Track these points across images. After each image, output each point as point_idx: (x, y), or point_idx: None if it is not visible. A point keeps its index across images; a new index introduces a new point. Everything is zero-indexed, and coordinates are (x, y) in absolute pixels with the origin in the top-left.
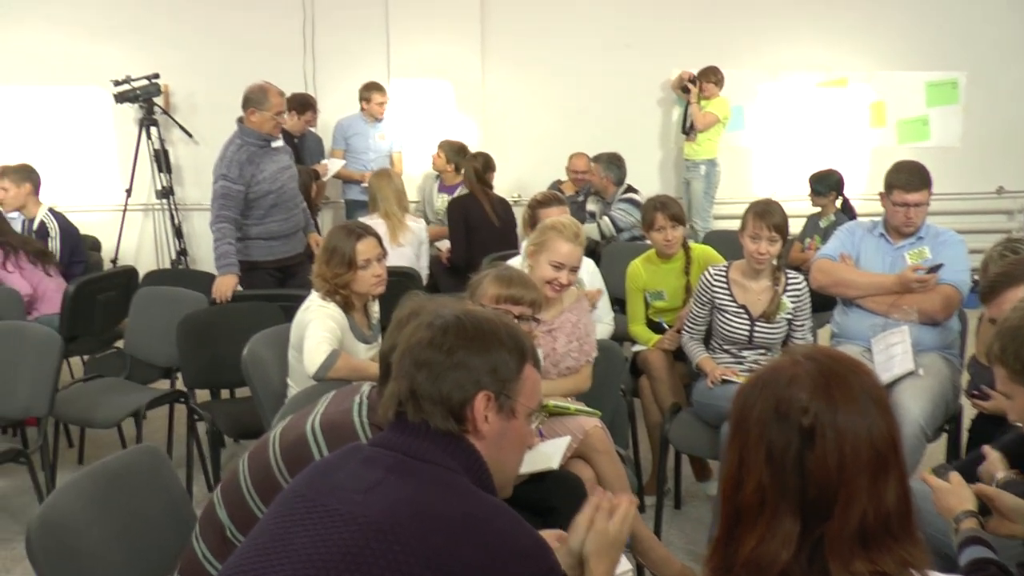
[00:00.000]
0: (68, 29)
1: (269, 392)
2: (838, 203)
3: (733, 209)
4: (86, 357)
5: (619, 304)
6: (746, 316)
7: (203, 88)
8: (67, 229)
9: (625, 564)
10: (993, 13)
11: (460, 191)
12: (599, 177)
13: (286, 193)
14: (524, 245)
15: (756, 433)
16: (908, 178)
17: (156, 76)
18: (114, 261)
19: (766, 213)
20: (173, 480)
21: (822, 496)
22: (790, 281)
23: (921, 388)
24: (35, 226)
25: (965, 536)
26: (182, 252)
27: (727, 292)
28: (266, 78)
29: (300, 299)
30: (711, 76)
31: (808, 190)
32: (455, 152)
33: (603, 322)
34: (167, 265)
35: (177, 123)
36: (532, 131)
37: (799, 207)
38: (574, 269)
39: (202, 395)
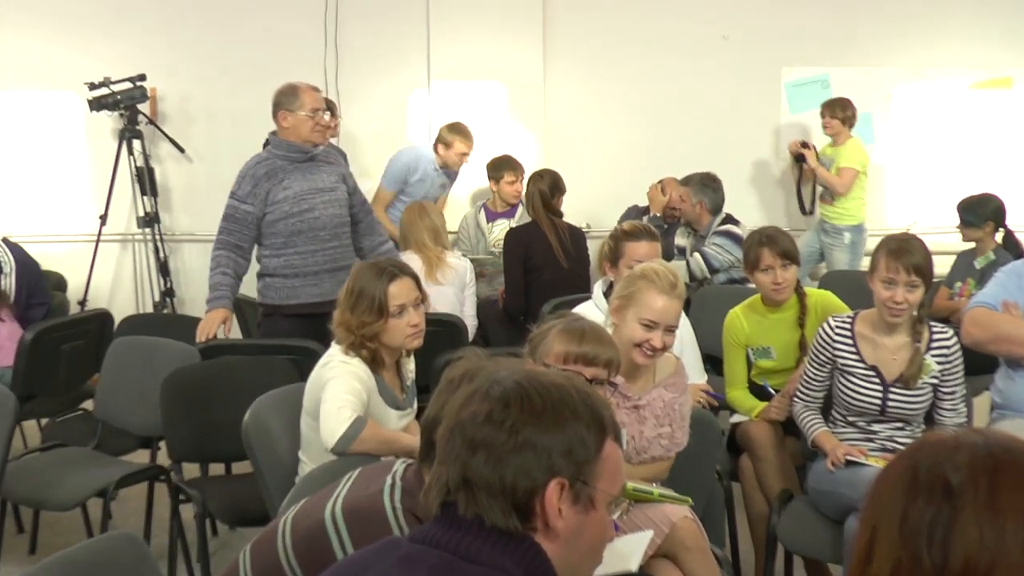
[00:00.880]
0: (31, 19)
1: (276, 468)
2: (998, 237)
3: None
4: (45, 421)
5: (713, 363)
6: (878, 380)
7: (199, 93)
8: (24, 263)
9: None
10: None
11: (513, 220)
12: (689, 204)
13: (318, 220)
14: (597, 288)
15: (891, 503)
16: None
17: (141, 78)
18: (83, 303)
19: (903, 252)
20: None
21: None
22: (935, 336)
23: None
24: None
25: None
26: (168, 293)
27: (853, 350)
28: (278, 80)
29: (317, 353)
30: (838, 111)
31: (957, 220)
32: (492, 167)
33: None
34: (149, 309)
35: (166, 135)
36: (603, 145)
37: (946, 242)
38: (671, 329)
39: (190, 470)
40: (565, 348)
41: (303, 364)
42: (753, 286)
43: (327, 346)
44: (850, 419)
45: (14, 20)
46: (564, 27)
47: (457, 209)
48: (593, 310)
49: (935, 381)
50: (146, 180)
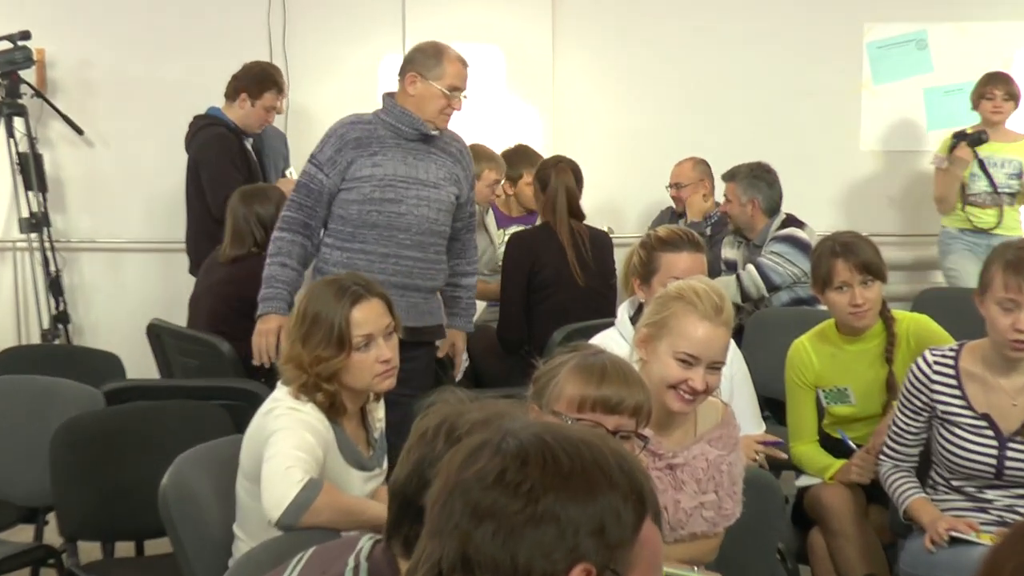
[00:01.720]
0: None
1: (204, 547)
2: None
3: None
4: None
5: (773, 409)
6: (991, 433)
7: (103, 59)
8: None
9: None
10: None
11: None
12: (737, 204)
13: (403, 217)
14: (623, 311)
15: None
16: None
17: (24, 36)
18: None
19: None
20: None
21: None
22: None
23: None
24: None
25: None
26: (61, 318)
27: (958, 393)
28: (207, 43)
29: (259, 396)
30: (1000, 84)
31: None
32: (508, 163)
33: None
34: (36, 339)
35: (59, 112)
36: (627, 127)
37: None
38: (716, 366)
39: (88, 551)
40: (580, 391)
41: (241, 411)
42: (825, 309)
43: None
44: (955, 483)
45: None
46: None
47: None
48: (617, 340)
49: None
50: (31, 171)
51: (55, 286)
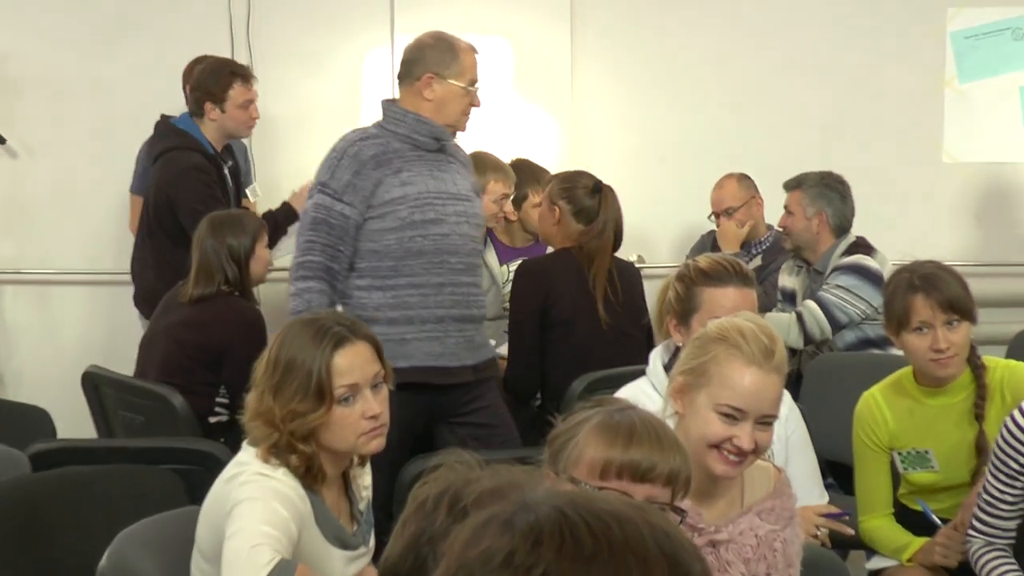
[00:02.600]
0: None
1: None
2: None
3: None
4: None
5: (839, 474)
6: None
7: (26, 51)
8: None
9: None
10: None
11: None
12: (802, 217)
13: (448, 238)
14: (655, 357)
15: None
16: None
17: None
18: None
19: None
20: None
21: None
22: None
23: None
24: None
25: None
26: None
27: None
28: (158, 35)
29: (219, 460)
30: None
31: None
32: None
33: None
34: None
35: None
36: (659, 138)
37: None
38: (766, 420)
39: None
40: (604, 454)
41: (197, 478)
42: (900, 353)
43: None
44: None
45: None
46: None
47: None
48: (648, 393)
49: None
50: None
51: None
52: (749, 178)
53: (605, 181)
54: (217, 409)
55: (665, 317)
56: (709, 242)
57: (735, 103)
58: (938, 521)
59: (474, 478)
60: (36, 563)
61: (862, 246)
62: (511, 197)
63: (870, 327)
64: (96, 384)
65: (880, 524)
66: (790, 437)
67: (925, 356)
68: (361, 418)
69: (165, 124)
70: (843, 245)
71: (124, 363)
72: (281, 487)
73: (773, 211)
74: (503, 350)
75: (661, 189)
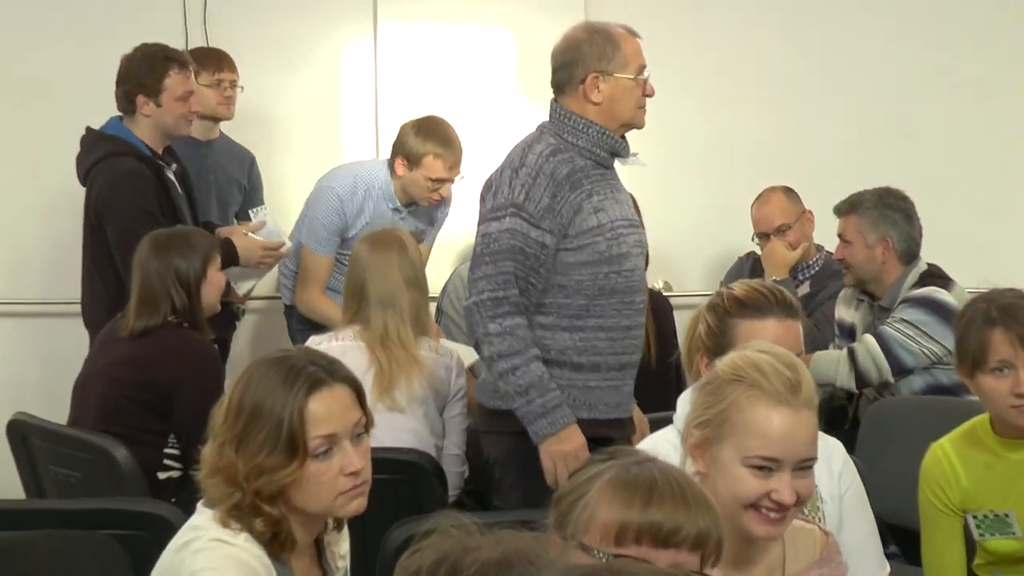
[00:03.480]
0: None
1: None
2: None
3: None
4: None
5: (902, 540)
6: None
7: None
8: None
9: None
10: None
11: None
12: (863, 244)
13: (634, 274)
14: (683, 402)
15: None
16: None
17: None
18: None
19: None
20: None
21: None
22: None
23: None
24: None
25: None
26: None
27: None
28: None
29: (171, 524)
30: None
31: None
32: None
33: None
34: None
35: None
36: (685, 144)
37: None
38: (805, 465)
39: None
40: (620, 515)
41: (142, 545)
42: (976, 399)
43: None
44: None
45: None
46: None
47: (439, 262)
48: (674, 443)
49: None
50: None
51: None
52: (795, 192)
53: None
54: (167, 462)
55: (695, 354)
56: (748, 266)
57: (774, 107)
58: None
59: (474, 546)
60: None
61: (936, 276)
62: (451, 183)
63: (943, 372)
64: (24, 434)
65: None
66: (844, 496)
67: (1005, 401)
68: (340, 474)
69: (91, 135)
70: (913, 275)
71: (59, 410)
72: (243, 556)
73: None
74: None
75: (689, 205)
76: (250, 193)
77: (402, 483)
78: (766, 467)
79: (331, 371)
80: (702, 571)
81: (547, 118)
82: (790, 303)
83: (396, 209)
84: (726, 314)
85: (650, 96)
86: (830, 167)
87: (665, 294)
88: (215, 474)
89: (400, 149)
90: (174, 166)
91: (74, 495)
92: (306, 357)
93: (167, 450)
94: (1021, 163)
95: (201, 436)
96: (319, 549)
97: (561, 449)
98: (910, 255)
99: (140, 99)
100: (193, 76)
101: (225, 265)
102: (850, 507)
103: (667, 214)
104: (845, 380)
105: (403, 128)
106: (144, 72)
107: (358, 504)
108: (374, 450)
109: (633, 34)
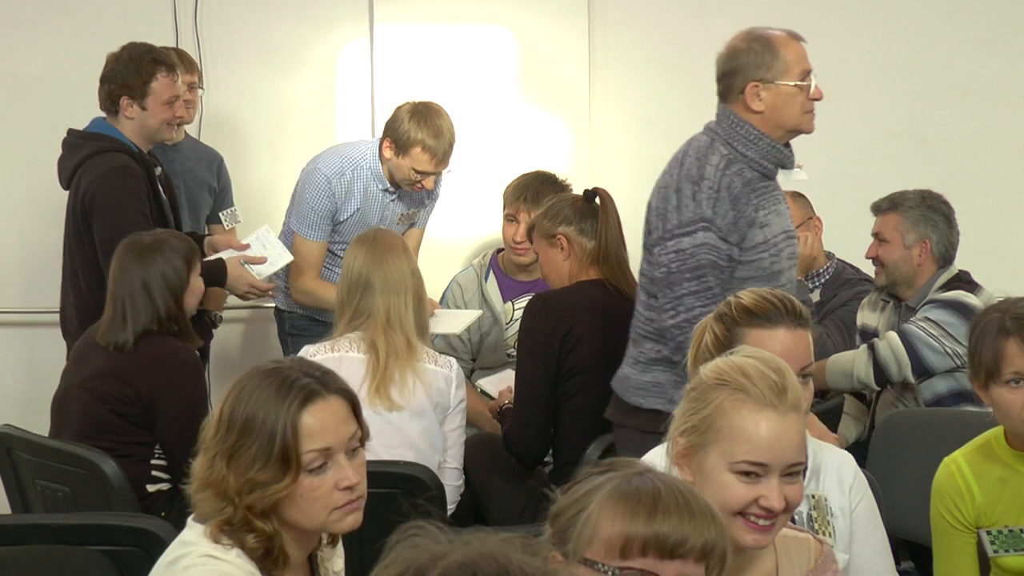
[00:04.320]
0: None
1: None
2: None
3: None
4: None
5: (915, 555)
6: None
7: None
8: None
9: None
10: None
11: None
12: (901, 246)
13: (789, 288)
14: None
15: None
16: None
17: None
18: None
19: None
20: None
21: None
22: None
23: None
24: None
25: None
26: None
27: None
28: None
29: (160, 539)
30: None
31: None
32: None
33: None
34: None
35: None
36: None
37: None
38: (795, 470)
39: None
40: (625, 527)
41: (132, 561)
42: (990, 411)
43: None
44: None
45: None
46: None
47: (436, 266)
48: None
49: None
50: None
51: None
52: (803, 195)
53: (627, 197)
54: (155, 474)
55: (700, 365)
56: None
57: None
58: None
59: (440, 553)
60: None
61: (965, 282)
62: (437, 176)
63: (966, 377)
64: (8, 447)
65: None
66: (855, 511)
67: (1020, 414)
68: (334, 489)
69: (74, 136)
70: (943, 278)
71: (40, 422)
72: (234, 572)
73: (830, 236)
74: (487, 384)
75: None
76: (220, 195)
77: (400, 498)
78: (753, 472)
79: (325, 383)
80: None
81: (547, 120)
82: (800, 312)
83: (387, 190)
84: (734, 323)
85: (818, 100)
86: (840, 172)
87: None
88: (206, 488)
89: (391, 132)
90: (159, 169)
91: (62, 510)
92: (299, 368)
93: (154, 461)
94: None
95: (187, 447)
96: (313, 566)
97: None
98: (946, 259)
99: (124, 100)
100: (180, 79)
101: (209, 283)
102: (861, 522)
103: None
104: (863, 372)
105: (399, 109)
106: (130, 73)
107: (353, 520)
108: (371, 463)
109: (796, 38)
